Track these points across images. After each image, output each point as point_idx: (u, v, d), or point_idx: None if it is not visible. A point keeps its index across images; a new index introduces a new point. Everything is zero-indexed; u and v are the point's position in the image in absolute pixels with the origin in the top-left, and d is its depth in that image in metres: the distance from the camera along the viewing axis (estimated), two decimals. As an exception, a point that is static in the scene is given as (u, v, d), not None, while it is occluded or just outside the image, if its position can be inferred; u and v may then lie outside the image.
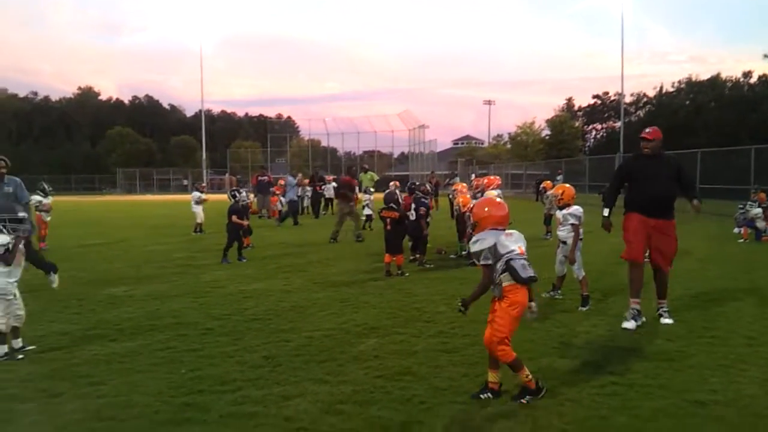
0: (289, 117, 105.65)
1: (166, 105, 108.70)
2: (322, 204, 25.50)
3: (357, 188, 18.06)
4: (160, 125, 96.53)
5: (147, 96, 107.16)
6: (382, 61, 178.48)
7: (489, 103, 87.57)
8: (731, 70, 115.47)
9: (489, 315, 4.61)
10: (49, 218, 14.71)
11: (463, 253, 11.94)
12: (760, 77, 59.33)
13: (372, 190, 21.06)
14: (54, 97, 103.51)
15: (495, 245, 4.49)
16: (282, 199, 25.88)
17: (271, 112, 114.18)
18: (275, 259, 12.53)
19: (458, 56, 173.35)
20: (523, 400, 4.42)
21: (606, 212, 7.25)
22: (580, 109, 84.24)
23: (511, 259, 4.45)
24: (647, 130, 6.98)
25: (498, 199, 4.97)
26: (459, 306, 4.62)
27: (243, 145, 79.12)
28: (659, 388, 4.76)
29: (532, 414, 4.21)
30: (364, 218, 19.39)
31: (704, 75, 67.58)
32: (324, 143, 73.33)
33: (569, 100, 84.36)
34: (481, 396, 4.56)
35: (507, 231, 4.63)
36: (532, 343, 5.92)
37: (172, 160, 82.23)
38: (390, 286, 9.34)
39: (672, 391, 4.68)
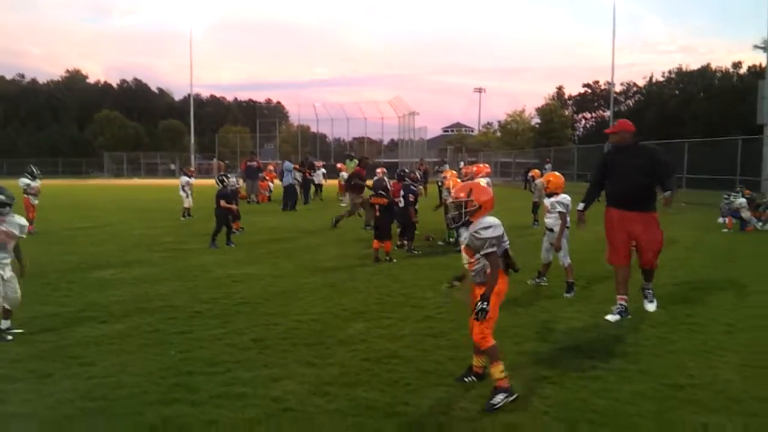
0: (278, 102, 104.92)
1: (154, 88, 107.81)
2: (312, 190, 25.51)
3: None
4: (148, 109, 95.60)
5: (135, 79, 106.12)
6: (373, 46, 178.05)
7: (480, 90, 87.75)
8: (721, 61, 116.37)
9: (471, 303, 4.55)
10: (37, 201, 14.64)
11: (451, 240, 12.04)
12: (749, 68, 59.68)
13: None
14: (41, 80, 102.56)
15: (503, 233, 4.39)
16: (270, 184, 25.92)
17: (260, 97, 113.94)
18: (264, 244, 12.58)
19: (449, 43, 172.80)
20: (495, 403, 4.16)
21: (581, 206, 7.18)
22: (570, 97, 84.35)
23: (508, 249, 4.45)
24: (613, 124, 7.02)
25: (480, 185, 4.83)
26: (483, 306, 4.23)
27: (231, 130, 78.62)
28: (639, 373, 4.89)
29: (515, 397, 4.30)
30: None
31: (694, 65, 68.03)
32: (313, 129, 72.96)
33: (560, 88, 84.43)
34: (465, 379, 4.66)
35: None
36: (517, 328, 6.04)
37: (159, 145, 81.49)
38: (378, 272, 9.43)
39: (651, 376, 4.81)
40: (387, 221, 10.74)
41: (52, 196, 24.00)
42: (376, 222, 10.72)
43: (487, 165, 13.44)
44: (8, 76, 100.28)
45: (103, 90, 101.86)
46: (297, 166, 24.59)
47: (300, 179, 23.69)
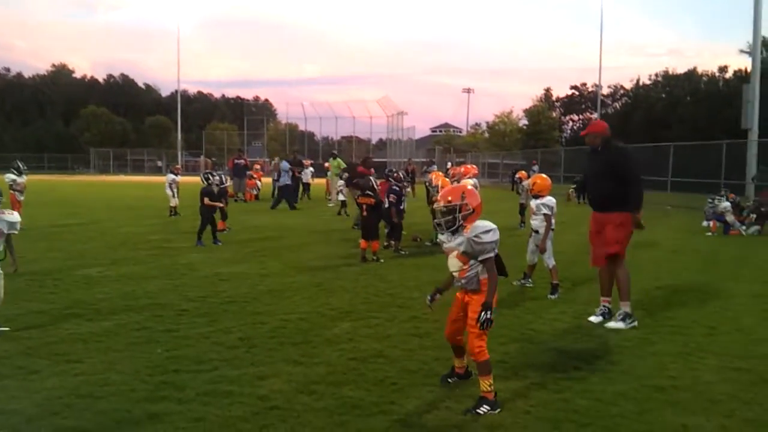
0: (266, 100, 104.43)
1: (141, 84, 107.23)
2: (300, 189, 25.45)
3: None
4: (135, 105, 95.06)
5: (122, 75, 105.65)
6: (361, 45, 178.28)
7: (468, 91, 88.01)
8: (708, 65, 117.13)
9: (453, 312, 4.53)
10: (22, 198, 14.54)
11: (438, 240, 12.09)
12: (735, 72, 60.24)
13: (346, 175, 21.08)
14: (27, 74, 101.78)
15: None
16: (258, 183, 25.87)
17: (248, 94, 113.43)
18: (251, 243, 12.59)
19: (438, 43, 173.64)
20: (479, 410, 4.10)
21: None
22: (557, 99, 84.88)
23: (498, 254, 4.34)
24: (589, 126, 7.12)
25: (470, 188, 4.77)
26: (487, 316, 4.12)
27: (219, 126, 78.27)
28: (621, 374, 4.97)
29: (498, 396, 4.36)
30: (339, 204, 19.55)
31: (681, 68, 68.43)
32: (302, 127, 72.78)
33: (547, 90, 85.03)
34: (449, 380, 4.71)
35: None
36: (501, 329, 6.08)
37: (146, 141, 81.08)
38: (365, 272, 9.48)
39: (633, 377, 4.89)
40: (374, 221, 10.79)
41: (37, 192, 23.82)
42: (363, 222, 10.78)
43: (474, 166, 13.52)
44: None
45: (90, 85, 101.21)
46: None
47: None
